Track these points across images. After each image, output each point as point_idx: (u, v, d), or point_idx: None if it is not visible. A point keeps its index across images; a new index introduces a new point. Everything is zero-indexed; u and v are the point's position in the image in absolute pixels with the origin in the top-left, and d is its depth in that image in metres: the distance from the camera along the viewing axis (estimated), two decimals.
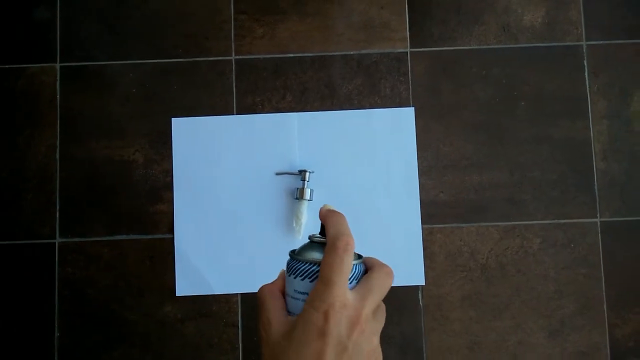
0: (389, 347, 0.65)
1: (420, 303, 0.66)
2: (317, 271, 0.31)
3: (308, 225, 0.66)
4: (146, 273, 0.66)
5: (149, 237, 0.66)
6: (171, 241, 0.66)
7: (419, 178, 0.67)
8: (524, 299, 0.66)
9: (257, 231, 0.66)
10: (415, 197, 0.67)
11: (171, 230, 0.66)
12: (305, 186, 0.65)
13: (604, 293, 0.66)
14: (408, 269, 0.66)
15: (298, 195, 0.65)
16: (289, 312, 0.33)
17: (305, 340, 0.29)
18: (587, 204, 0.67)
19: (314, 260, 0.32)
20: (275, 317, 0.32)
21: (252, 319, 0.65)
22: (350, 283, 0.32)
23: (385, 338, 0.65)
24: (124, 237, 0.67)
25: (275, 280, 0.34)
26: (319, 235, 0.34)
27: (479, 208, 0.67)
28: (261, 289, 0.33)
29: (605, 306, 0.65)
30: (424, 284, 0.66)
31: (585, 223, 0.67)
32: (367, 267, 0.33)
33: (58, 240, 0.67)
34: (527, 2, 0.69)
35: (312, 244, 0.34)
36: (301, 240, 0.66)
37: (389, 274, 0.32)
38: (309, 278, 0.32)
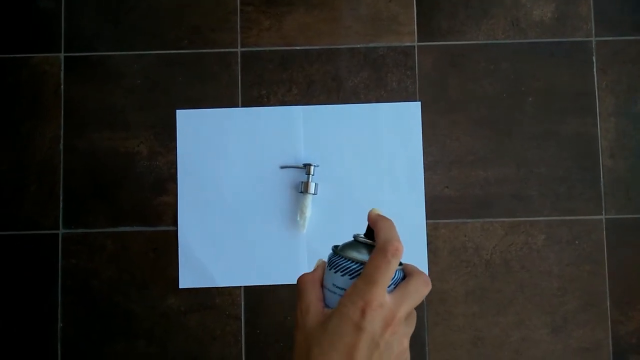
0: None
1: (424, 298, 0.66)
2: (359, 270, 0.33)
3: (312, 219, 0.65)
4: (150, 265, 0.66)
5: (153, 229, 0.66)
6: (175, 233, 0.66)
7: (424, 173, 0.67)
8: (528, 295, 0.66)
9: (261, 224, 0.66)
10: (420, 192, 0.66)
11: (175, 222, 0.66)
12: (310, 180, 0.65)
13: (607, 290, 0.66)
14: (412, 263, 0.65)
15: (303, 189, 0.65)
16: (325, 305, 0.34)
17: (340, 332, 0.31)
18: (592, 200, 0.67)
19: (357, 259, 0.33)
20: (313, 305, 0.33)
21: (255, 311, 0.65)
22: (389, 287, 0.33)
23: None
24: (127, 228, 0.66)
25: (315, 270, 0.35)
26: (364, 237, 0.35)
27: (484, 203, 0.67)
28: (302, 277, 0.35)
29: (608, 303, 0.65)
30: None
31: (591, 220, 0.66)
32: (405, 274, 0.35)
33: (62, 231, 0.66)
34: None
35: (357, 243, 0.35)
36: (305, 234, 0.66)
37: (427, 282, 0.34)
38: (349, 275, 0.33)
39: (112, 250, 0.66)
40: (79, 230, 0.67)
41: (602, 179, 0.67)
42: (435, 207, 0.66)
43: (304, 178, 0.65)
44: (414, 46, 0.68)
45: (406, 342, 0.33)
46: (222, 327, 0.65)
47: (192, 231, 0.66)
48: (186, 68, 0.68)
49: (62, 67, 0.68)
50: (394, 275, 0.33)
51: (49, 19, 0.69)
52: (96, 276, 0.66)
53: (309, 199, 0.65)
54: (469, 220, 0.66)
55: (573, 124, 0.68)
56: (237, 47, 0.69)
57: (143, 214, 0.66)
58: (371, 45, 0.68)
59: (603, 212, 0.67)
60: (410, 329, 0.34)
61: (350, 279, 0.33)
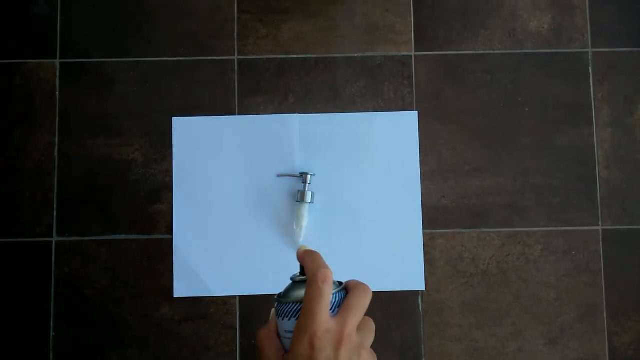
0: (388, 353, 0.65)
1: (420, 308, 0.65)
2: (300, 308, 0.34)
3: (309, 228, 0.65)
4: (144, 274, 0.65)
5: (147, 237, 0.66)
6: (170, 242, 0.66)
7: (421, 182, 0.67)
8: (525, 305, 0.65)
9: (257, 233, 0.66)
10: (416, 202, 0.66)
11: (170, 230, 0.66)
12: (307, 189, 0.64)
13: (604, 301, 0.65)
14: (408, 274, 0.65)
15: (299, 197, 0.64)
16: (285, 352, 0.35)
17: None
18: (589, 211, 0.67)
19: (297, 299, 0.34)
20: (273, 356, 0.34)
21: (250, 321, 0.65)
22: (333, 311, 0.34)
23: (385, 343, 0.65)
24: (122, 236, 0.66)
25: (269, 322, 0.36)
26: (299, 275, 0.36)
27: (480, 214, 0.66)
28: (258, 333, 0.36)
29: (605, 314, 0.65)
30: (424, 289, 0.65)
31: (587, 231, 0.66)
32: (346, 290, 0.36)
33: (55, 239, 0.66)
34: (533, 8, 0.69)
35: (294, 284, 0.36)
36: (302, 243, 0.65)
37: (366, 290, 0.35)
38: (295, 316, 0.34)
39: (105, 258, 0.65)
40: (73, 238, 0.66)
41: (598, 190, 0.67)
42: (431, 217, 0.66)
43: (300, 187, 0.65)
44: (411, 56, 0.69)
45: (365, 354, 0.33)
46: (216, 337, 0.65)
47: (187, 240, 0.65)
48: (182, 75, 0.68)
49: (58, 74, 0.68)
50: (333, 299, 0.34)
51: (44, 25, 0.69)
52: (89, 285, 0.65)
53: (306, 208, 0.64)
54: (465, 230, 0.66)
55: (569, 134, 0.68)
56: (234, 55, 0.68)
57: (137, 222, 0.66)
58: (368, 54, 0.68)
59: (599, 222, 0.67)
60: (366, 340, 0.34)
61: (296, 319, 0.34)
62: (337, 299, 0.34)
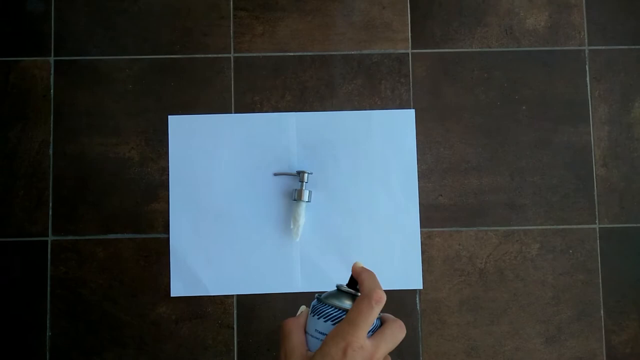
0: None
1: (418, 307, 0.65)
2: (340, 316, 0.35)
3: (306, 226, 0.65)
4: (140, 273, 0.65)
5: (144, 236, 0.65)
6: (166, 241, 0.65)
7: (419, 181, 0.66)
8: (522, 304, 0.65)
9: (254, 232, 0.65)
10: (414, 200, 0.66)
11: (166, 229, 0.65)
12: (304, 187, 0.64)
13: (601, 299, 0.65)
14: (406, 272, 0.65)
15: (296, 196, 0.64)
16: (307, 349, 0.36)
17: None
18: (586, 209, 0.67)
19: (340, 306, 0.36)
20: (297, 348, 0.35)
21: (248, 320, 0.65)
22: (368, 333, 0.35)
23: None
24: (118, 236, 0.65)
25: (299, 316, 0.38)
26: (346, 287, 0.38)
27: (478, 212, 0.66)
28: (286, 321, 0.37)
29: (602, 312, 0.65)
30: (421, 288, 0.65)
31: (584, 229, 0.66)
32: (382, 322, 0.38)
33: (51, 238, 0.65)
34: (530, 6, 0.69)
35: (340, 292, 0.38)
36: (298, 242, 0.65)
37: (402, 328, 0.37)
38: (332, 321, 0.36)
39: (102, 258, 0.65)
40: (69, 238, 0.65)
41: (595, 188, 0.67)
42: (429, 216, 0.66)
43: (297, 185, 0.65)
44: (408, 53, 0.68)
45: None
46: (214, 336, 0.64)
47: (184, 238, 0.65)
48: (178, 73, 0.67)
49: (52, 71, 0.67)
50: (373, 323, 0.35)
51: (38, 22, 0.68)
52: (86, 284, 0.65)
53: (303, 207, 0.64)
54: (463, 228, 0.66)
55: (566, 132, 0.67)
56: (230, 53, 0.68)
57: (134, 221, 0.65)
58: (365, 52, 0.68)
59: (597, 221, 0.67)
60: None
61: (333, 324, 0.35)
62: (376, 324, 0.36)
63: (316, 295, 0.38)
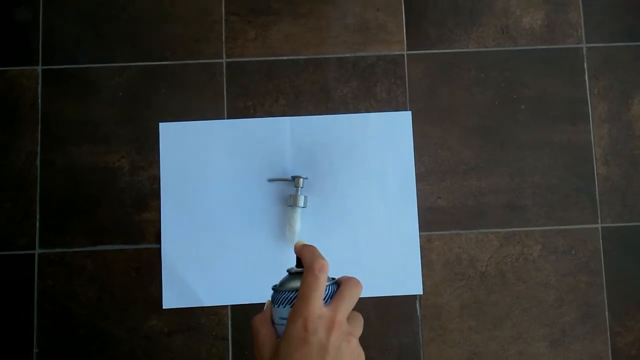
0: (387, 359, 0.63)
1: (418, 313, 0.63)
2: (296, 296, 0.36)
3: (302, 233, 0.63)
4: (131, 285, 0.63)
5: (135, 247, 0.63)
6: (158, 251, 0.63)
7: (417, 184, 0.65)
8: (525, 307, 0.64)
9: (249, 240, 0.64)
10: (412, 204, 0.65)
11: (158, 239, 0.63)
12: (299, 193, 0.63)
13: (605, 300, 0.64)
14: (405, 277, 0.64)
15: (291, 202, 0.62)
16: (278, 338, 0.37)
17: (290, 352, 0.34)
18: (588, 209, 0.65)
19: (293, 287, 0.37)
20: (267, 341, 0.36)
21: (243, 331, 0.63)
22: (326, 301, 0.36)
23: (383, 349, 0.63)
24: (108, 247, 0.63)
25: (264, 311, 0.38)
26: (295, 268, 0.39)
27: (478, 214, 0.65)
28: (253, 319, 0.38)
29: (607, 314, 0.64)
30: (421, 293, 0.64)
31: (586, 229, 0.65)
32: (338, 285, 0.38)
33: (38, 251, 0.63)
34: (526, 4, 0.68)
35: (290, 275, 0.38)
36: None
37: (356, 283, 0.37)
38: (289, 303, 0.36)
39: (91, 270, 0.63)
40: (57, 250, 0.63)
41: (597, 187, 0.66)
42: (428, 219, 0.65)
43: (292, 191, 0.63)
44: (404, 55, 0.67)
45: (354, 341, 0.35)
46: (208, 348, 0.62)
47: (176, 249, 0.63)
48: (169, 79, 0.66)
49: (40, 80, 0.66)
50: (326, 290, 0.36)
51: (26, 31, 0.67)
52: (75, 298, 0.63)
53: (298, 213, 0.63)
54: (462, 231, 0.65)
55: (566, 131, 0.67)
56: (222, 58, 0.67)
57: (124, 231, 0.64)
58: (360, 54, 0.67)
59: (599, 220, 0.65)
60: (356, 330, 0.36)
61: (291, 306, 0.36)
62: (330, 291, 0.37)
63: (272, 286, 0.39)
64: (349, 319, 0.36)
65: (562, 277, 0.64)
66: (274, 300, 0.38)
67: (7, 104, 0.66)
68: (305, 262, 0.37)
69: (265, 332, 0.36)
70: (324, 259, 0.36)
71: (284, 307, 0.36)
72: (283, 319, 0.36)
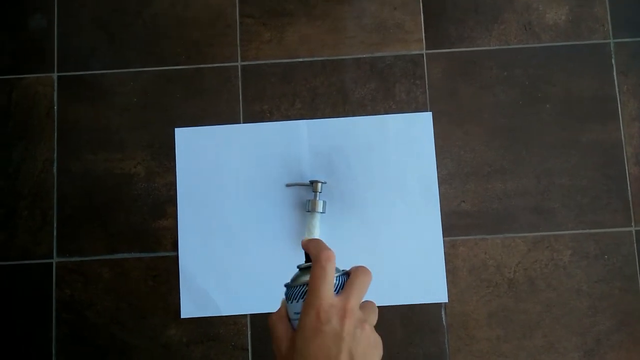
0: None
1: (444, 322, 0.61)
2: (307, 290, 0.37)
3: (321, 239, 0.61)
4: (149, 294, 0.62)
5: (152, 255, 0.63)
6: (175, 259, 0.62)
7: (439, 187, 0.63)
8: (556, 315, 0.61)
9: (267, 247, 0.62)
10: (435, 208, 0.62)
11: (175, 247, 0.62)
12: (317, 198, 0.61)
13: None
14: (429, 285, 0.61)
15: (310, 207, 0.61)
16: None
17: (306, 344, 0.34)
18: (620, 211, 0.63)
19: (304, 282, 0.37)
20: (283, 335, 0.37)
21: (263, 341, 0.61)
22: (336, 292, 0.37)
23: None
24: (125, 255, 0.63)
25: (280, 308, 0.39)
26: (304, 264, 0.39)
27: (504, 218, 0.63)
28: (269, 316, 0.39)
29: None
30: (447, 301, 0.61)
31: (619, 232, 0.62)
32: (348, 275, 0.39)
33: (55, 259, 0.63)
34: None
35: (301, 270, 0.39)
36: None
37: (365, 271, 0.38)
38: (302, 297, 0.37)
39: (108, 278, 0.62)
40: (74, 259, 0.63)
41: (629, 188, 0.63)
42: (452, 223, 0.62)
43: (310, 196, 0.62)
44: (423, 54, 0.65)
45: (368, 328, 0.35)
46: (227, 359, 0.61)
47: (194, 256, 0.62)
48: (184, 84, 0.65)
49: (56, 87, 0.66)
50: (336, 280, 0.37)
51: (41, 38, 0.67)
52: (92, 307, 0.62)
53: (317, 218, 0.61)
54: (488, 236, 0.62)
55: (595, 130, 0.64)
56: (237, 61, 0.66)
57: (141, 239, 0.63)
58: (377, 54, 0.65)
59: (632, 223, 0.63)
60: (370, 317, 0.37)
61: (303, 300, 0.37)
62: (340, 281, 0.37)
63: (285, 284, 0.39)
64: (362, 307, 0.37)
65: (594, 284, 0.62)
66: (287, 296, 0.38)
67: (24, 111, 0.66)
68: (312, 255, 0.37)
69: (282, 328, 0.37)
70: (329, 249, 0.37)
71: (297, 301, 0.37)
72: (297, 313, 0.37)
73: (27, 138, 0.65)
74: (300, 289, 0.37)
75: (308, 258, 0.39)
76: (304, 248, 0.39)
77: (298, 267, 0.40)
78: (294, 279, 0.39)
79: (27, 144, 0.65)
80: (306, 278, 0.37)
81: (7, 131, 0.65)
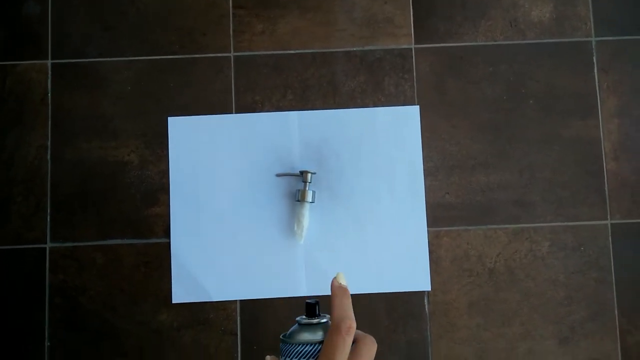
0: (394, 356, 0.63)
1: (426, 310, 0.63)
2: (311, 350, 0.35)
3: (310, 228, 0.63)
4: (141, 279, 0.63)
5: (144, 241, 0.64)
6: (167, 246, 0.64)
7: (425, 179, 0.65)
8: (534, 304, 0.63)
9: (257, 235, 0.64)
10: (420, 199, 0.64)
11: (167, 234, 0.64)
12: (307, 188, 0.63)
13: (615, 298, 0.64)
14: (413, 274, 0.63)
15: (299, 197, 0.62)
16: None
17: None
18: (597, 205, 0.65)
19: (307, 341, 0.36)
20: None
21: (252, 327, 0.63)
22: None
23: (391, 346, 0.63)
24: (117, 241, 0.64)
25: None
26: (306, 318, 0.38)
27: (486, 210, 0.65)
28: None
29: (617, 312, 0.63)
30: (429, 289, 0.63)
31: (596, 225, 0.65)
32: (354, 339, 0.37)
33: (49, 245, 0.64)
34: None
35: (302, 326, 0.37)
36: (303, 244, 0.63)
37: (373, 342, 0.37)
38: (305, 358, 0.35)
39: (101, 264, 0.64)
40: (67, 244, 0.64)
41: (606, 183, 0.65)
42: (436, 215, 0.64)
43: (300, 186, 0.63)
44: (411, 49, 0.67)
45: None
46: (217, 343, 0.63)
47: (185, 243, 0.64)
48: (178, 74, 0.66)
49: (50, 74, 0.66)
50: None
51: (35, 25, 0.67)
52: (85, 292, 0.63)
53: (306, 208, 0.63)
54: (471, 227, 0.64)
55: (575, 126, 0.66)
56: (230, 52, 0.67)
57: (134, 225, 0.64)
58: (367, 48, 0.67)
59: (608, 216, 0.65)
60: None
61: None
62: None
63: (281, 337, 0.38)
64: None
65: (571, 274, 0.64)
66: (286, 352, 0.36)
67: (18, 98, 0.66)
68: (333, 317, 0.36)
69: None
70: (352, 319, 0.36)
71: None
72: None
73: (21, 125, 0.66)
74: (304, 348, 0.36)
75: (309, 312, 0.38)
76: (332, 291, 0.38)
77: (298, 321, 0.38)
78: (293, 334, 0.37)
79: (21, 131, 0.66)
80: (307, 337, 0.36)
81: (1, 118, 0.66)
